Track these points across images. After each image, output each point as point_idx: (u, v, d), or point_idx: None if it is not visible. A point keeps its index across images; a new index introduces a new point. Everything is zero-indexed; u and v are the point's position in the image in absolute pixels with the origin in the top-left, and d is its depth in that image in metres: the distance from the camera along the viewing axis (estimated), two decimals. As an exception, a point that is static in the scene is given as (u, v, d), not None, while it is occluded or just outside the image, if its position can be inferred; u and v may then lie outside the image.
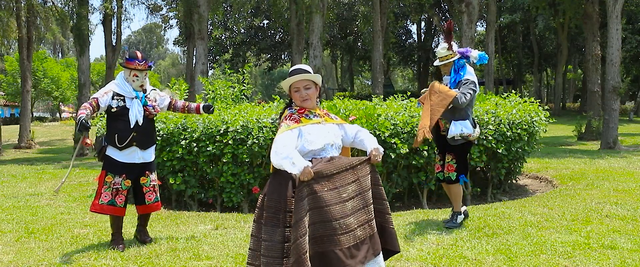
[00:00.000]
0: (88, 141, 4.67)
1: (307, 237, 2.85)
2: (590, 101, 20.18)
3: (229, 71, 9.58)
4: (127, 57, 4.75)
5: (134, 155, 4.71)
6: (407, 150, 6.41)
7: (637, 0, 27.04)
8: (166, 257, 4.39)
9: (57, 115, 49.05)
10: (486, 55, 5.30)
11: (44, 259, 4.41)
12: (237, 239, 4.99)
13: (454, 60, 5.17)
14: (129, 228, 5.53)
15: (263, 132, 6.51)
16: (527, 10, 28.54)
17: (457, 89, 5.07)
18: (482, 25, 35.08)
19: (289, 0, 23.15)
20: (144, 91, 4.81)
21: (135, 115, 4.69)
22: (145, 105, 4.76)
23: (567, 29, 29.56)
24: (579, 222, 5.19)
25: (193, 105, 5.06)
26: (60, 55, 67.93)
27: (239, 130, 6.55)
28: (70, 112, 48.75)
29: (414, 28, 50.15)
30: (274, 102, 7.78)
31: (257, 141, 6.42)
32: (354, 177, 3.03)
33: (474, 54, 5.19)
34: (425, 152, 6.50)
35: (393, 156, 6.41)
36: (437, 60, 5.32)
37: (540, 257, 4.13)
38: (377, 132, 6.41)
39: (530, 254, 4.22)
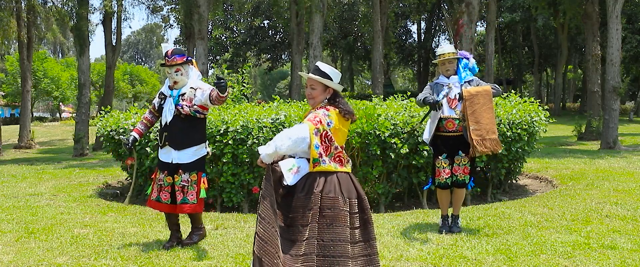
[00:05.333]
0: (129, 161, 4.71)
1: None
2: (590, 101, 20.16)
3: (227, 71, 9.57)
4: None
5: (169, 154, 4.67)
6: (407, 150, 6.41)
7: (637, 0, 27.03)
8: (166, 257, 4.40)
9: (57, 115, 49.03)
10: (476, 68, 5.35)
11: (44, 259, 4.41)
12: (237, 239, 5.00)
13: (458, 60, 5.23)
14: (129, 228, 5.54)
15: (263, 132, 6.51)
16: (527, 9, 28.52)
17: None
18: (482, 25, 35.08)
19: (289, 0, 23.14)
20: (174, 87, 4.65)
21: (165, 114, 4.68)
22: (176, 104, 4.63)
23: (567, 29, 29.55)
24: (579, 222, 5.20)
25: (214, 90, 4.52)
26: (60, 55, 67.93)
27: (239, 131, 6.55)
28: (70, 112, 48.74)
29: (414, 28, 50.18)
30: (273, 102, 7.77)
31: (257, 141, 6.41)
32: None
33: (472, 60, 5.32)
34: (425, 152, 6.50)
35: (393, 156, 6.40)
36: (440, 56, 5.25)
37: (540, 257, 4.13)
38: (377, 132, 6.41)
39: (530, 254, 4.22)
